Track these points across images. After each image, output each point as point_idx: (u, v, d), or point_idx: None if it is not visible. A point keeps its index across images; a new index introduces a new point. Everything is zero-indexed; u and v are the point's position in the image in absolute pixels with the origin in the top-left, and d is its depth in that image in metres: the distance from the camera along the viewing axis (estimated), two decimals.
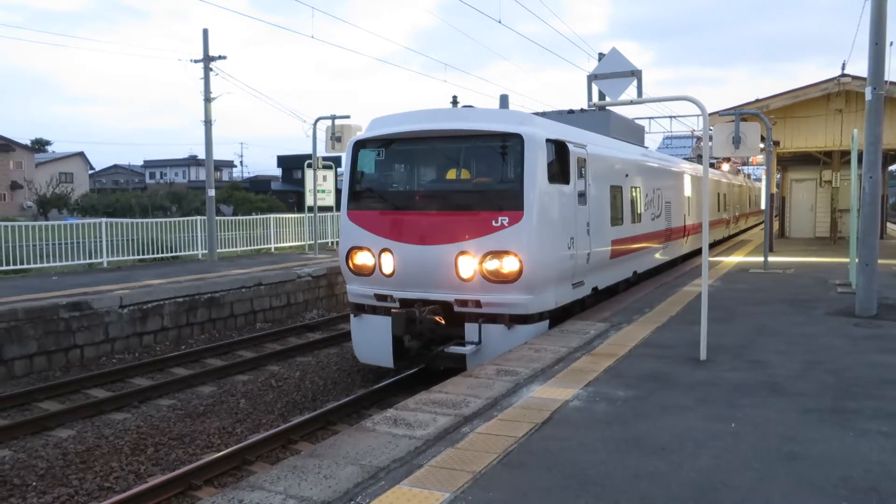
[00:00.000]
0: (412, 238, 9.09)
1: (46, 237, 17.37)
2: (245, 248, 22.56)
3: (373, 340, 9.68)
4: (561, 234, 9.25)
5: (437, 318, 9.02)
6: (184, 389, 10.36)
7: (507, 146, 8.99)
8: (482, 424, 5.29)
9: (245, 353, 12.48)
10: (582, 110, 13.20)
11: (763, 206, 30.59)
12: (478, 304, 8.89)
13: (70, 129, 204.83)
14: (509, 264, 8.67)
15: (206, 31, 20.40)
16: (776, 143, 20.44)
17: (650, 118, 34.53)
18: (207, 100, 20.53)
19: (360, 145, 9.87)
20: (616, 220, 11.56)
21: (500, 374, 6.74)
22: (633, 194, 12.68)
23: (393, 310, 9.16)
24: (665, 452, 4.69)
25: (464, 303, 8.95)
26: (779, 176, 27.74)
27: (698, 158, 26.18)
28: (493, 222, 8.69)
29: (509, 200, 8.71)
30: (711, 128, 15.07)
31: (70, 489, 6.94)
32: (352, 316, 10.01)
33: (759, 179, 44.49)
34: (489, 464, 4.50)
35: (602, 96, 9.86)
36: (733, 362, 7.16)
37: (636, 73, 7.71)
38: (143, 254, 19.12)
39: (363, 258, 9.55)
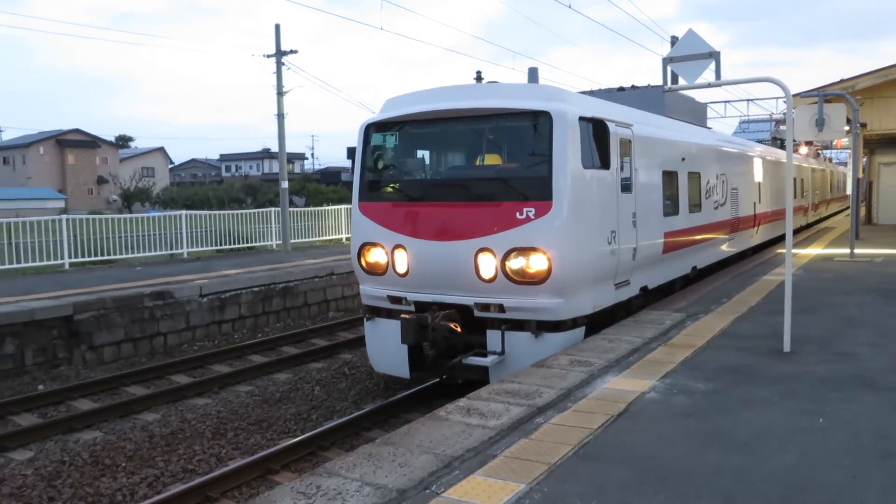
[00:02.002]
0: (427, 233, 8.07)
1: (131, 229, 18.20)
2: (317, 238, 23.02)
3: (387, 347, 8.64)
4: (599, 227, 8.10)
5: (452, 325, 8.01)
6: (261, 376, 10.67)
7: (533, 126, 7.84)
8: (556, 415, 5.22)
9: (319, 342, 12.74)
10: (633, 87, 12.34)
11: (848, 192, 29.19)
12: (501, 308, 7.81)
13: (150, 125, 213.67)
14: (536, 263, 7.57)
15: (278, 27, 20.86)
16: (863, 126, 19.45)
17: (726, 102, 33.51)
18: (280, 94, 21.00)
19: (371, 129, 8.78)
20: (670, 209, 10.30)
21: (573, 364, 6.65)
22: (692, 180, 11.35)
23: (402, 315, 8.16)
24: (748, 448, 4.53)
25: (485, 307, 7.89)
26: (865, 159, 26.42)
27: (773, 141, 25.02)
28: (518, 214, 7.58)
29: (536, 189, 7.59)
30: (794, 110, 14.42)
31: (156, 470, 7.25)
32: (365, 320, 9.11)
33: (842, 163, 42.53)
34: (564, 455, 4.44)
35: (677, 79, 9.52)
36: (819, 354, 6.86)
37: (714, 55, 7.40)
38: (221, 244, 19.78)
39: (375, 255, 8.55)
